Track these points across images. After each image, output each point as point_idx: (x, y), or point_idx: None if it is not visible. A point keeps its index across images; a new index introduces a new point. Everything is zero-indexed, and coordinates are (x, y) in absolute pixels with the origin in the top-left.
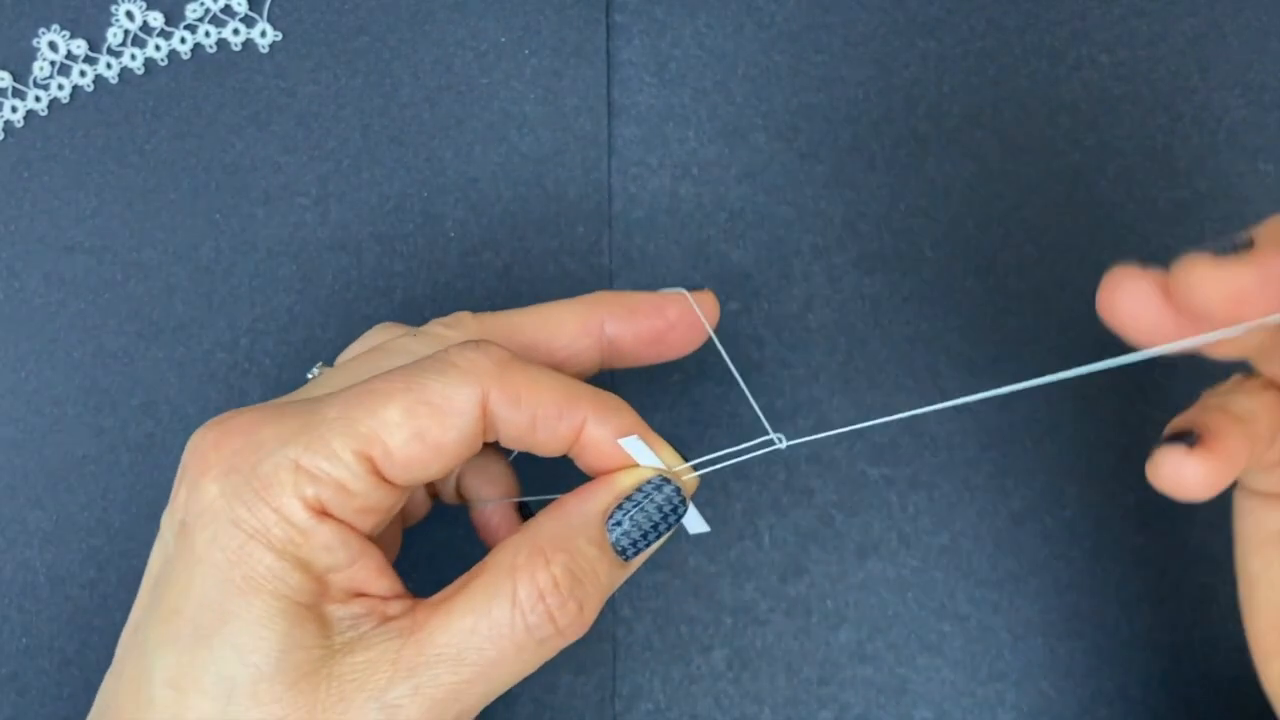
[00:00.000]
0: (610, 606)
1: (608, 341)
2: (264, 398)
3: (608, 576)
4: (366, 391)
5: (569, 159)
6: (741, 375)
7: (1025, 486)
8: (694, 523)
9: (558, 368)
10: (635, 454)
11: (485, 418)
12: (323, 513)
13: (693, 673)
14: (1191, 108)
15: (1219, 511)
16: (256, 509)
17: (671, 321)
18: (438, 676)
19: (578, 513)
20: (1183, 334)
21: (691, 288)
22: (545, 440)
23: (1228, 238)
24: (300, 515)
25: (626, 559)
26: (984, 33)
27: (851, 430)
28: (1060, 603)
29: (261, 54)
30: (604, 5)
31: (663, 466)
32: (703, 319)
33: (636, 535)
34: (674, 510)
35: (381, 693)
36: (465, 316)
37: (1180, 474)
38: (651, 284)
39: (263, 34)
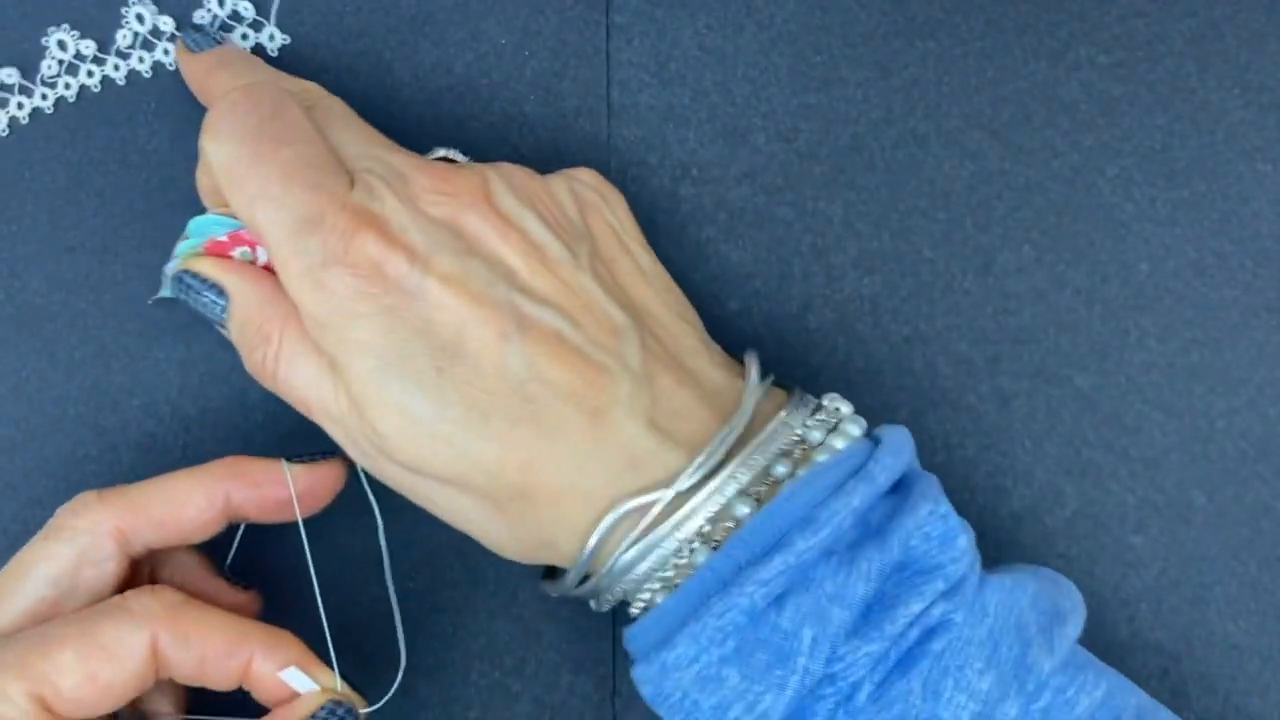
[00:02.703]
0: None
1: (233, 509)
2: (265, 397)
3: None
4: (42, 637)
5: (569, 160)
6: None
7: (1024, 486)
8: None
9: (186, 537)
10: (297, 685)
11: (156, 657)
12: None
13: None
14: (1190, 108)
15: (1217, 512)
16: None
17: (298, 491)
18: None
19: None
20: None
21: None
22: (216, 676)
23: None
24: None
25: None
26: (983, 33)
27: None
28: None
29: (270, 58)
30: (604, 6)
31: (319, 689)
32: (293, 497)
33: None
34: None
35: None
36: (90, 498)
37: None
38: None
39: (271, 38)
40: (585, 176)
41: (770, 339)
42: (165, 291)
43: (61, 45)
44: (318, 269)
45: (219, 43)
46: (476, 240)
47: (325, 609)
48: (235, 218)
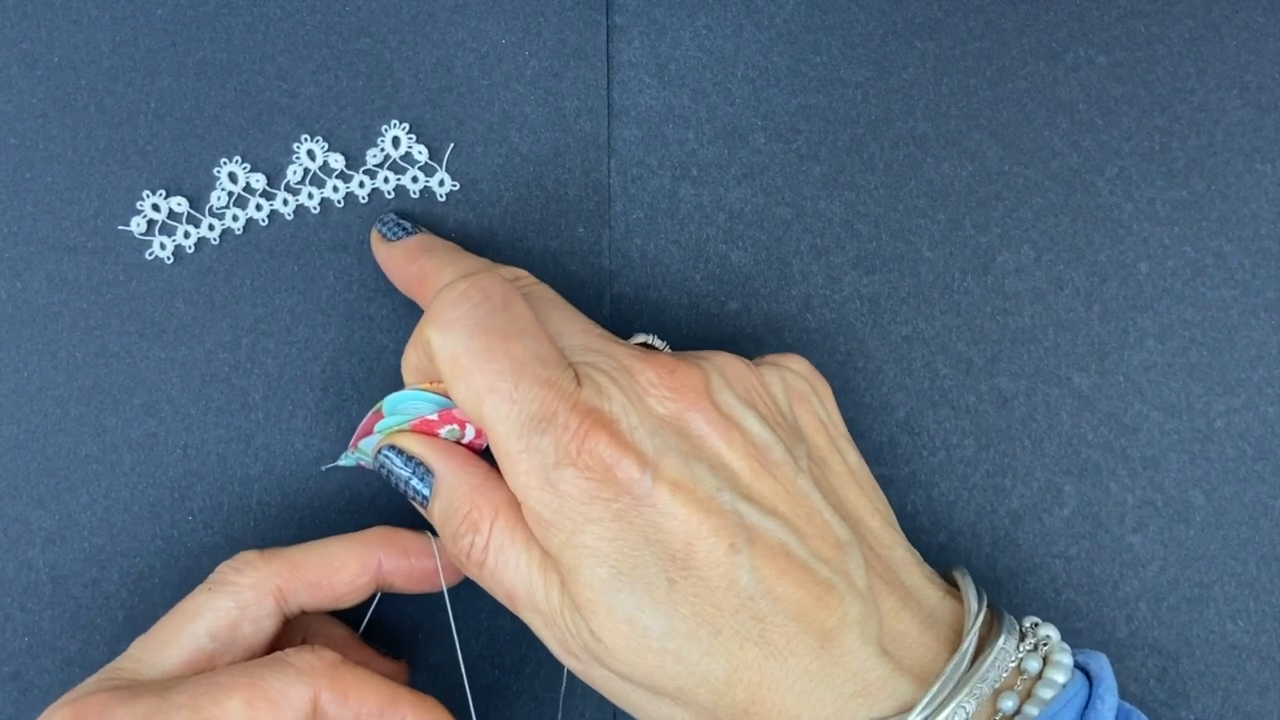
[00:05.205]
0: None
1: (382, 577)
2: (265, 397)
3: None
4: (212, 683)
5: (569, 160)
6: None
7: (1023, 485)
8: None
9: (338, 600)
10: None
11: (316, 713)
12: None
13: None
14: (1189, 108)
15: (1216, 511)
16: None
17: (441, 564)
18: None
19: None
20: None
21: None
22: None
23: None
24: None
25: None
26: (982, 34)
27: None
28: (1058, 601)
29: (438, 203)
30: (604, 7)
31: None
32: (439, 567)
33: None
34: None
35: None
36: (252, 556)
37: None
38: (650, 284)
39: (441, 183)
40: (796, 366)
41: (770, 339)
42: (344, 460)
43: (232, 177)
44: (550, 469)
45: (411, 230)
46: (701, 441)
47: (467, 677)
48: (443, 395)
